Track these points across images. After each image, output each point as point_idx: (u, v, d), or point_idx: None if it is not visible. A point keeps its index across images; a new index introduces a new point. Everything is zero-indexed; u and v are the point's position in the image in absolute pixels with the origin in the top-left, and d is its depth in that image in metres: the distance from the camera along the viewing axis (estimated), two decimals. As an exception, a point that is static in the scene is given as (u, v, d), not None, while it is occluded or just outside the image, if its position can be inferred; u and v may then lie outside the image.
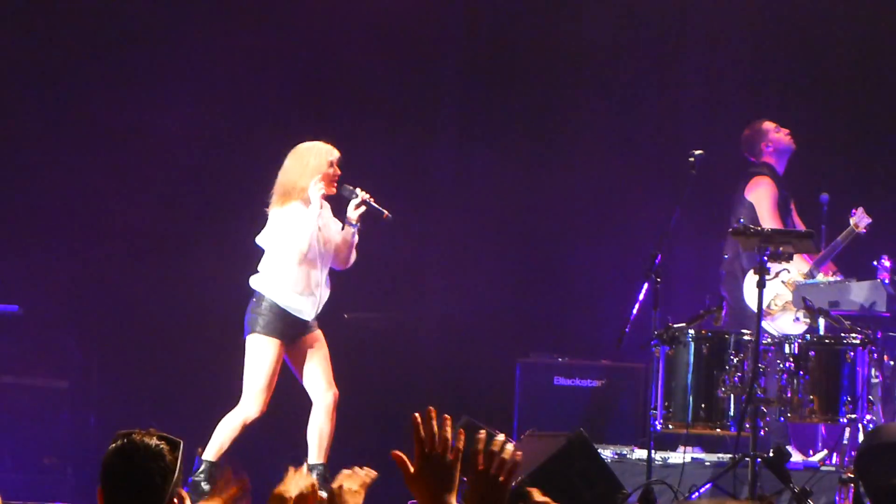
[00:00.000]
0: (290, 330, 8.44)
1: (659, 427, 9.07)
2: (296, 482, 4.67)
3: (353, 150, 9.61)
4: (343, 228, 8.52)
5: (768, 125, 10.09)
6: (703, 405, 9.13)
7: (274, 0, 11.11)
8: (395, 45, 11.06)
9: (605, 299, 10.84)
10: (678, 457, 9.25)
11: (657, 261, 8.80)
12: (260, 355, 8.44)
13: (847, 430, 9.38)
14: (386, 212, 8.65)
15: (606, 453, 9.15)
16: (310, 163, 8.51)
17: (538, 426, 9.34)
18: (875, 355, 9.34)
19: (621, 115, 11.27)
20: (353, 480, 4.68)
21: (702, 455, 9.47)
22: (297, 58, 11.10)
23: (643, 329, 9.13)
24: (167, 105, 10.88)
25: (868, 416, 9.24)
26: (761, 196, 9.94)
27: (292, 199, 8.48)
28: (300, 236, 8.42)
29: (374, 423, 9.59)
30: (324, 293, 8.54)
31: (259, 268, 8.53)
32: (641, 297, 8.89)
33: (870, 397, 9.27)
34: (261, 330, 8.40)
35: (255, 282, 8.49)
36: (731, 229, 9.40)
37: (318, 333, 8.69)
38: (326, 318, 10.14)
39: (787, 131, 10.11)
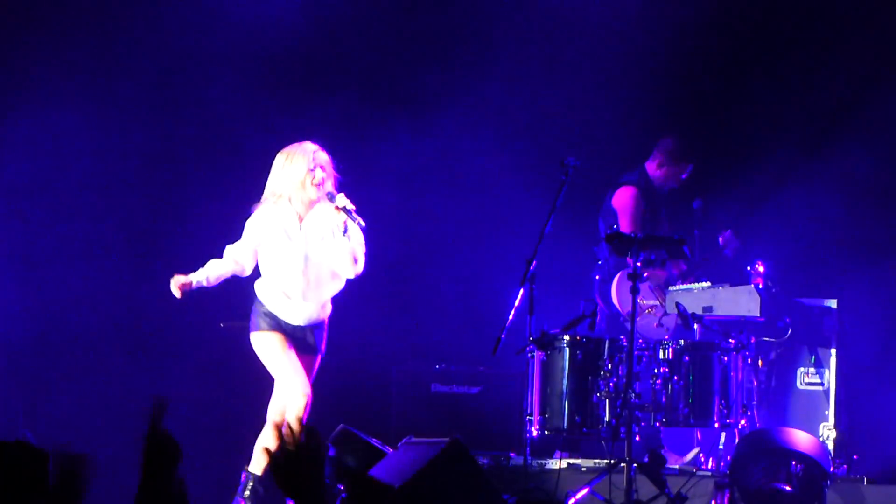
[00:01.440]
0: (286, 330, 8.45)
1: (535, 433, 8.99)
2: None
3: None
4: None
5: (683, 164, 10.07)
6: (578, 411, 9.07)
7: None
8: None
9: (482, 305, 10.73)
10: (555, 463, 9.20)
11: (532, 267, 8.70)
12: (266, 349, 8.44)
13: (722, 434, 9.44)
14: (360, 220, 8.53)
15: (484, 460, 8.99)
16: (286, 168, 8.49)
17: (415, 433, 9.15)
18: (749, 360, 9.36)
19: (495, 122, 11.22)
20: None
21: (578, 461, 9.39)
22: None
23: (519, 335, 9.02)
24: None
25: (742, 421, 9.23)
26: (623, 205, 9.98)
27: (268, 204, 8.50)
28: (270, 243, 8.43)
29: (255, 430, 9.47)
30: (311, 300, 8.49)
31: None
32: (517, 303, 8.76)
33: (744, 402, 9.26)
34: (256, 328, 8.45)
35: (255, 286, 8.59)
36: (605, 234, 9.35)
37: (315, 360, 8.70)
38: (201, 326, 10.26)
39: (682, 175, 10.13)
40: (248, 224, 8.55)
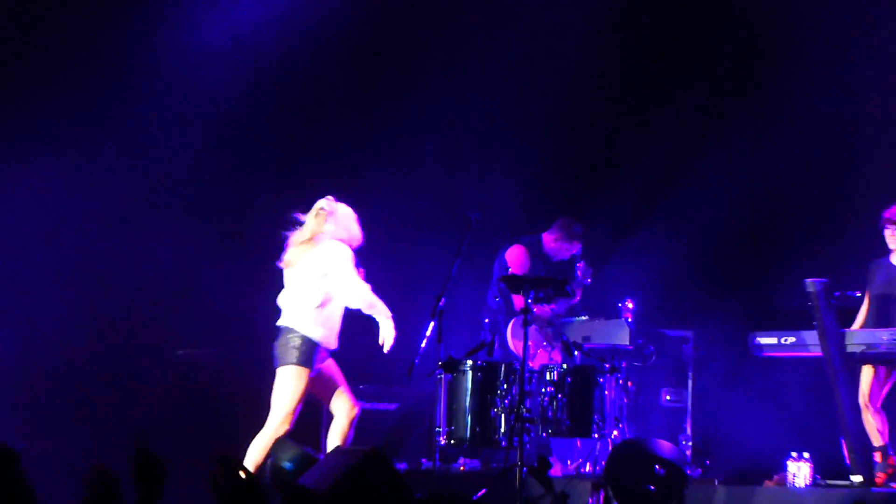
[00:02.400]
0: (319, 360, 8.60)
1: (443, 443, 9.34)
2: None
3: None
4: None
5: (575, 242, 10.41)
6: (479, 424, 9.37)
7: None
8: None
9: (400, 335, 10.27)
10: (459, 468, 9.70)
11: (441, 303, 9.00)
12: (294, 385, 8.52)
13: (598, 443, 9.78)
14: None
15: (400, 465, 9.34)
16: (352, 227, 8.71)
17: (343, 444, 9.14)
18: (620, 381, 9.68)
19: (413, 179, 11.49)
20: None
21: (478, 466, 9.82)
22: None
23: (430, 360, 9.25)
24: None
25: (615, 432, 9.56)
26: (513, 259, 10.38)
27: (333, 249, 8.63)
28: (344, 283, 8.59)
29: (206, 455, 8.99)
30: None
31: (293, 309, 8.58)
32: (428, 333, 9.04)
33: (616, 416, 9.56)
34: (295, 361, 8.50)
35: (289, 320, 8.59)
36: (499, 276, 9.81)
37: (331, 359, 8.80)
38: (158, 354, 10.42)
39: (573, 251, 10.46)
40: (345, 260, 8.54)
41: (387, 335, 8.56)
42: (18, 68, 10.78)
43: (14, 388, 10.68)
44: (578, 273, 10.43)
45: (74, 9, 10.82)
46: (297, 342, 8.57)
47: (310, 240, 8.70)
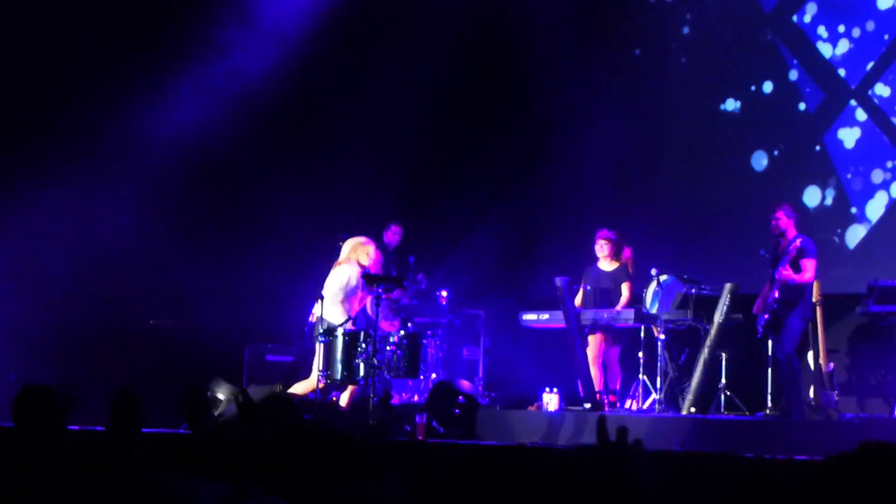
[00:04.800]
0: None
1: (325, 382, 10.45)
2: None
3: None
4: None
5: (399, 232, 11.52)
6: (346, 369, 10.50)
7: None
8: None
9: (294, 310, 11.90)
10: (332, 398, 10.71)
11: (322, 291, 10.18)
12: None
13: (422, 383, 11.13)
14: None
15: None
16: (369, 256, 10.35)
17: (256, 383, 10.97)
18: (439, 342, 11.31)
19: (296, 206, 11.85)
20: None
21: (345, 397, 10.69)
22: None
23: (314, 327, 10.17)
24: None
25: (434, 375, 11.08)
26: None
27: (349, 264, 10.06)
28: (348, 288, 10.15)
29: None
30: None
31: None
32: (315, 311, 10.40)
33: (435, 365, 11.13)
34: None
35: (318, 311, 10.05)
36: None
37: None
38: (133, 323, 11.25)
39: (397, 239, 11.60)
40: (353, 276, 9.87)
41: None
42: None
43: (19, 342, 10.93)
44: (418, 279, 11.59)
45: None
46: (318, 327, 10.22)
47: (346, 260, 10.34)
